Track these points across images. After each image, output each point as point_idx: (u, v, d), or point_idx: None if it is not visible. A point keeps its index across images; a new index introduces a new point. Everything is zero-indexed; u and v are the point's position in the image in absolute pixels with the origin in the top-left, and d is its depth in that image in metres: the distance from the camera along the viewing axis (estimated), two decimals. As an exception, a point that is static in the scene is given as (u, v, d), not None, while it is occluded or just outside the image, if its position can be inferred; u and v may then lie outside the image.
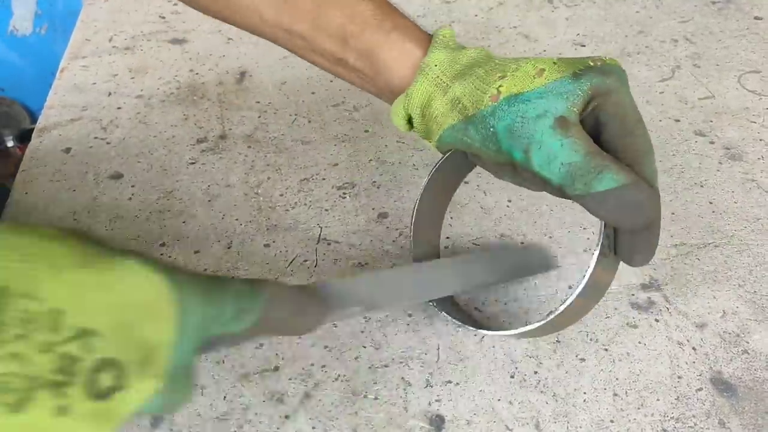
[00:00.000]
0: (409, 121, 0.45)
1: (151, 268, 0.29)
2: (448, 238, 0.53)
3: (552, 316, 0.39)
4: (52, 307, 0.25)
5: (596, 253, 0.38)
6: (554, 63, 0.39)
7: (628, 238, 0.38)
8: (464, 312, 0.49)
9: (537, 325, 0.40)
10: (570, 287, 0.49)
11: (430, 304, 0.47)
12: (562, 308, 0.39)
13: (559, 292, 0.49)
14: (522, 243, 0.53)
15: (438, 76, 0.42)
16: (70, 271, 0.26)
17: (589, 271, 0.38)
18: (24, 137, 1.68)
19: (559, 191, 0.38)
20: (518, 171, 0.41)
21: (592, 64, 0.39)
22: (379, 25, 0.44)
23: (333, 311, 0.38)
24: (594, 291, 0.40)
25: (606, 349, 0.46)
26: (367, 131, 0.64)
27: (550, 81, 0.38)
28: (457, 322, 0.46)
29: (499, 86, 0.39)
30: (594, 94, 0.38)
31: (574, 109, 0.38)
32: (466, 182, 0.58)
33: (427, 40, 0.44)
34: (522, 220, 0.55)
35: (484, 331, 0.44)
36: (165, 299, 0.29)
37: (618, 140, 0.38)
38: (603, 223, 0.38)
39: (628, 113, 0.38)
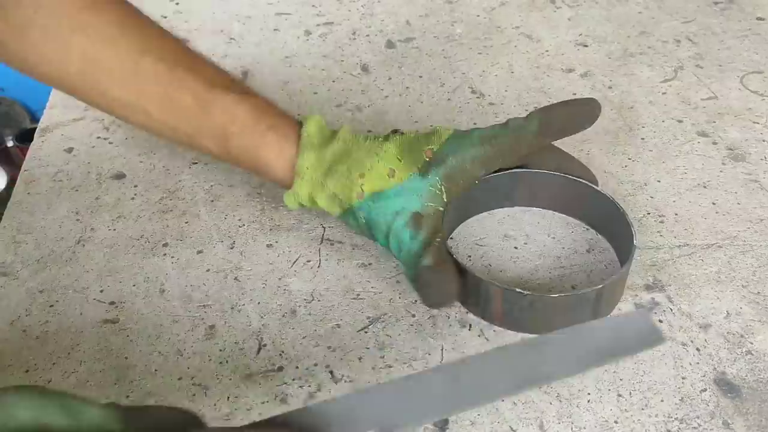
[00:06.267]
0: (302, 207, 0.52)
1: None
2: (451, 238, 0.53)
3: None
4: None
5: None
6: (399, 160, 0.48)
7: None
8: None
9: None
10: (573, 287, 0.49)
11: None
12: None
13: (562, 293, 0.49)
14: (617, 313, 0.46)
15: (312, 177, 0.49)
16: None
17: None
18: (24, 137, 1.68)
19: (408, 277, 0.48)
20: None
21: (427, 158, 0.48)
22: (255, 126, 0.49)
23: None
24: None
25: (610, 350, 0.46)
26: (370, 131, 0.64)
27: (403, 180, 0.48)
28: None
29: (362, 184, 0.48)
30: (447, 179, 0.48)
31: (429, 203, 0.47)
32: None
33: (298, 134, 0.50)
34: (525, 220, 0.55)
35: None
36: None
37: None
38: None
39: (472, 168, 0.49)
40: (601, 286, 0.44)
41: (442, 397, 0.33)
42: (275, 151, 0.50)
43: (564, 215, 0.55)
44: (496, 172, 0.51)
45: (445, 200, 0.48)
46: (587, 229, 0.54)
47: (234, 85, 0.51)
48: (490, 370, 0.34)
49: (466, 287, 0.47)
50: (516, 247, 0.53)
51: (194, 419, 0.31)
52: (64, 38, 0.48)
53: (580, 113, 0.50)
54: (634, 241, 0.47)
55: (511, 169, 0.52)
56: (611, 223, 0.52)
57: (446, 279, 0.44)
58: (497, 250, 0.52)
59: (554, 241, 0.53)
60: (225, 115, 0.49)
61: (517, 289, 0.44)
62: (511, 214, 0.55)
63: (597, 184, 0.53)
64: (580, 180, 0.52)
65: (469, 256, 0.52)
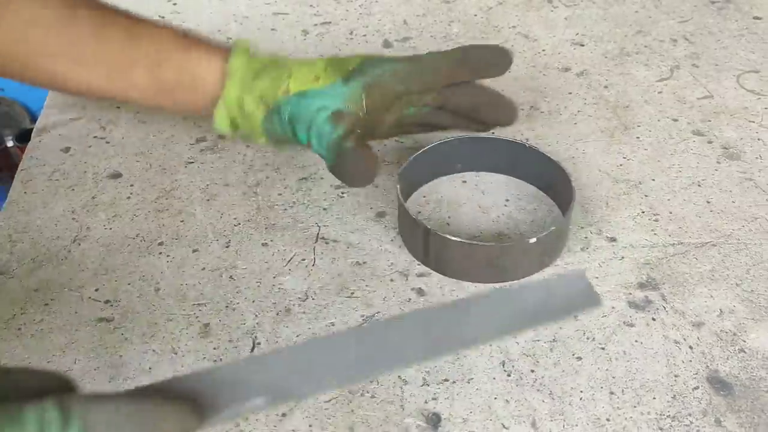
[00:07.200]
0: (232, 123, 0.52)
1: None
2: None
3: None
4: None
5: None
6: (324, 70, 0.51)
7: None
8: None
9: None
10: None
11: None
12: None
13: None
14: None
15: (242, 78, 0.51)
16: None
17: None
18: (24, 137, 1.68)
19: (329, 167, 0.51)
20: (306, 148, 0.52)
21: (351, 68, 0.51)
22: (183, 46, 0.52)
23: (213, 412, 0.28)
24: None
25: (603, 348, 0.46)
26: (365, 130, 0.64)
27: (326, 84, 0.51)
28: None
29: (288, 84, 0.51)
30: (368, 88, 0.51)
31: (350, 105, 0.50)
32: (464, 181, 0.59)
33: (226, 50, 0.52)
34: (520, 219, 0.55)
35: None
36: None
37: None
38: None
39: (391, 81, 0.51)
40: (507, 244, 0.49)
41: (344, 364, 0.30)
42: (205, 62, 0.52)
43: (511, 177, 0.59)
44: (422, 106, 0.53)
45: (365, 108, 0.51)
46: (581, 228, 0.54)
47: (160, 22, 0.54)
48: (403, 333, 0.31)
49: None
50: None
51: (66, 384, 0.28)
52: None
53: (496, 59, 0.55)
54: (573, 200, 0.51)
55: (446, 132, 0.56)
56: (553, 182, 0.56)
57: (368, 157, 0.50)
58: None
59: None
60: (154, 41, 0.52)
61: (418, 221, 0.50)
62: (505, 213, 0.55)
63: (516, 111, 0.55)
64: (522, 143, 0.57)
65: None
